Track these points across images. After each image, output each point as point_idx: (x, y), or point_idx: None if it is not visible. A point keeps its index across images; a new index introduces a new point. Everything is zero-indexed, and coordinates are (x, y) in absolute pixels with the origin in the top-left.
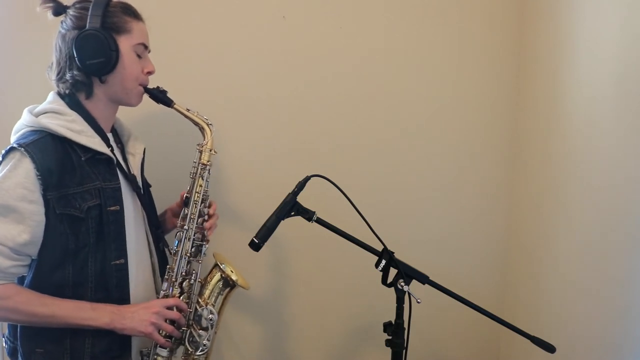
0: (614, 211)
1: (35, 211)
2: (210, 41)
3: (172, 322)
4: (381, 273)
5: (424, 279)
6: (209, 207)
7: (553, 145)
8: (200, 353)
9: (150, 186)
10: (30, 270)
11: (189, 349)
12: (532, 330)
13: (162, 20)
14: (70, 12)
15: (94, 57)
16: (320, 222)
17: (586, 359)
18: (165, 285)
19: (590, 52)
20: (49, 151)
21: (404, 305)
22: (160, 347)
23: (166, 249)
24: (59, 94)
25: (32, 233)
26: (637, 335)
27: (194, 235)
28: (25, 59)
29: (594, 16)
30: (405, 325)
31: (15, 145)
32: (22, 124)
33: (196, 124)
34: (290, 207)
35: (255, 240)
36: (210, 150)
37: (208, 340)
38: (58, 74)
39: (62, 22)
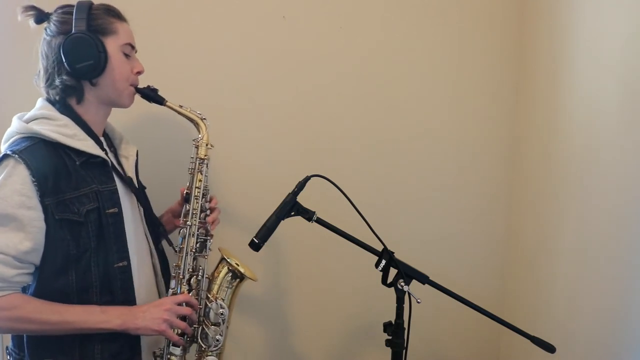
0: (614, 211)
1: (35, 217)
2: (211, 41)
3: (184, 318)
4: (381, 273)
5: (424, 279)
6: (210, 201)
7: (553, 146)
8: (214, 349)
9: (145, 188)
10: (33, 280)
11: (202, 345)
12: (532, 330)
13: (162, 20)
14: (54, 17)
15: (83, 60)
16: (320, 222)
17: (586, 359)
18: (173, 283)
19: (590, 52)
20: (43, 157)
21: (404, 305)
22: (173, 345)
23: (171, 247)
24: (49, 100)
25: (34, 240)
26: (637, 335)
27: (198, 231)
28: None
29: (594, 16)
30: (405, 325)
31: (8, 152)
32: (12, 132)
33: (190, 119)
34: (290, 207)
35: (255, 240)
36: (207, 145)
37: (220, 335)
38: (47, 80)
39: (45, 29)
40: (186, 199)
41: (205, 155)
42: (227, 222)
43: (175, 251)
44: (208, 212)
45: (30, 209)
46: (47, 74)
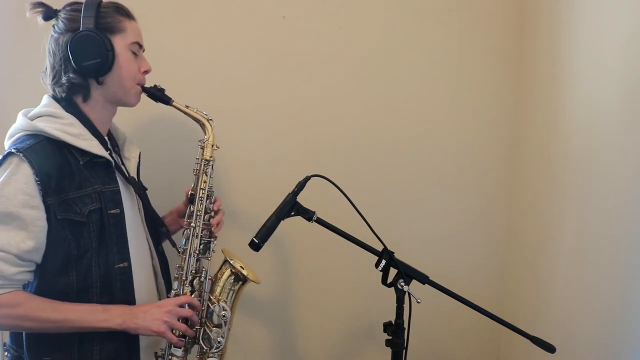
0: (614, 211)
1: (37, 217)
2: (211, 41)
3: (186, 320)
4: (381, 273)
5: (424, 279)
6: (214, 203)
7: (553, 146)
8: (215, 351)
9: (146, 189)
10: (34, 278)
11: (204, 347)
12: (532, 330)
13: (162, 20)
14: (62, 15)
15: (90, 58)
16: (320, 222)
17: (586, 359)
18: (175, 284)
19: (590, 52)
20: (47, 156)
21: (404, 305)
22: (174, 346)
23: (175, 248)
24: (54, 97)
25: (36, 239)
26: (637, 335)
27: (202, 233)
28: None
29: (594, 16)
30: (405, 325)
31: (12, 150)
32: (17, 128)
33: (196, 120)
34: (290, 207)
35: (255, 240)
36: (212, 146)
37: (222, 337)
38: (53, 77)
39: (54, 26)
40: (190, 200)
41: (211, 157)
42: (227, 222)
43: (179, 252)
44: (212, 213)
45: (34, 209)
46: (53, 71)
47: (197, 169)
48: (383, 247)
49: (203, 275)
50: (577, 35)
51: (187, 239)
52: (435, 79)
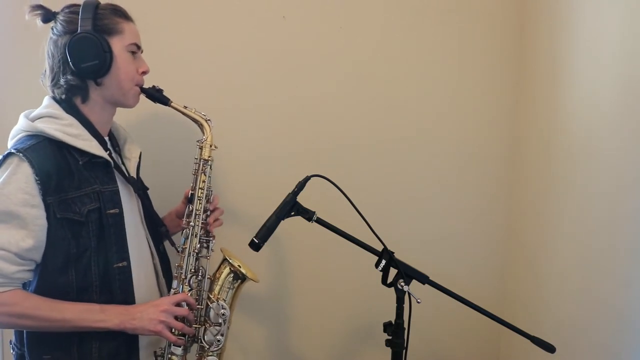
0: (614, 211)
1: (37, 215)
2: (211, 41)
3: (183, 319)
4: (381, 273)
5: (424, 279)
6: (212, 201)
7: (553, 146)
8: (215, 349)
9: (147, 189)
10: (34, 277)
11: (204, 345)
12: (532, 330)
13: (161, 21)
14: (60, 17)
15: (88, 60)
16: (320, 222)
17: (586, 359)
18: (175, 283)
19: (590, 52)
20: (47, 156)
21: (404, 305)
22: (173, 345)
23: (174, 247)
24: (55, 98)
25: (35, 238)
26: (637, 335)
27: (200, 232)
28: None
29: (594, 17)
30: (405, 325)
31: (13, 150)
32: (18, 129)
33: (194, 120)
34: (290, 207)
35: (255, 240)
36: (211, 146)
37: (221, 335)
38: (52, 79)
39: (52, 28)
40: (190, 199)
41: (209, 157)
42: (227, 222)
43: (178, 251)
44: (209, 212)
45: (34, 207)
46: (52, 73)
47: (195, 169)
48: (383, 247)
49: (202, 274)
50: (577, 35)
51: (186, 238)
52: (435, 78)
